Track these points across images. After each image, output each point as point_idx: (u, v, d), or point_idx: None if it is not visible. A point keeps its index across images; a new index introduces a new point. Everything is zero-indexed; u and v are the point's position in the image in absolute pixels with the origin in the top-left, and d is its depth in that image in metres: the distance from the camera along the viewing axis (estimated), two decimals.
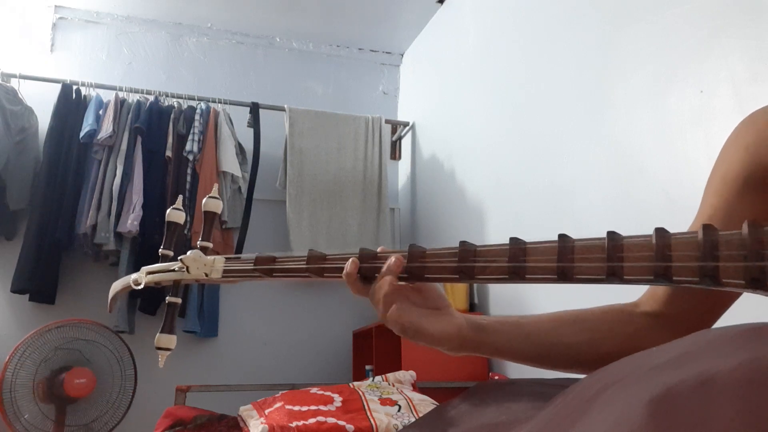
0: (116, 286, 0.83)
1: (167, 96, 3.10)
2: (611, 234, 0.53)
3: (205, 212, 0.81)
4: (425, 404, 1.84)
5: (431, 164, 3.25)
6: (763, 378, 0.31)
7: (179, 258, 0.77)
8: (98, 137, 2.86)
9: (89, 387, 2.40)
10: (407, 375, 2.08)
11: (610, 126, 1.93)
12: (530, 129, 2.36)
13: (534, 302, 2.20)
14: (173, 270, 0.77)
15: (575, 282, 0.54)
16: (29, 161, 2.94)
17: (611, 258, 0.52)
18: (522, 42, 2.49)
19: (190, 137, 2.99)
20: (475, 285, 2.58)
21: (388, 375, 2.07)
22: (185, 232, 2.77)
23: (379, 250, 0.67)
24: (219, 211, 0.82)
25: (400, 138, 3.60)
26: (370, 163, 3.30)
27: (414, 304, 0.66)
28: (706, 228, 0.48)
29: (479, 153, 2.76)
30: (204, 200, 0.81)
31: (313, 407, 1.75)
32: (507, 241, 0.59)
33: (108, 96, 3.01)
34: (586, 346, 0.69)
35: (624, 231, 0.54)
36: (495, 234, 2.53)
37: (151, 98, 3.06)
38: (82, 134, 2.85)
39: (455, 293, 2.50)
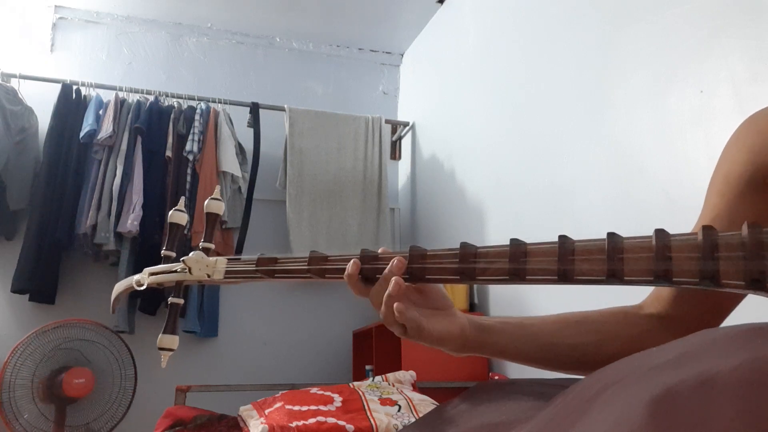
0: (119, 287, 0.84)
1: (167, 96, 3.10)
2: (611, 235, 0.53)
3: (207, 214, 0.81)
4: (425, 404, 1.84)
5: (431, 164, 3.25)
6: (764, 378, 0.31)
7: (182, 259, 0.77)
8: (98, 137, 2.86)
9: (88, 387, 2.40)
10: (407, 375, 2.08)
11: (610, 126, 1.93)
12: (530, 129, 2.36)
13: (534, 303, 2.21)
14: (176, 271, 0.77)
15: (575, 283, 0.55)
16: (29, 161, 2.94)
17: (611, 259, 0.52)
18: (522, 42, 2.49)
19: (190, 137, 2.99)
20: (475, 286, 2.58)
21: (388, 375, 2.08)
22: (185, 232, 2.77)
23: (380, 251, 0.67)
24: (221, 213, 0.82)
25: (400, 138, 3.60)
26: (370, 163, 3.30)
27: (416, 305, 0.66)
28: (706, 229, 0.48)
29: (479, 153, 2.76)
30: (206, 202, 0.81)
31: (313, 407, 1.75)
32: (507, 242, 0.59)
33: (108, 96, 3.01)
34: (591, 347, 0.69)
35: (624, 231, 0.54)
36: (495, 234, 2.53)
37: (151, 98, 3.06)
38: (82, 134, 2.85)
39: (455, 294, 2.51)
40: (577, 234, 0.56)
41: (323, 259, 0.69)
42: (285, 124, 3.22)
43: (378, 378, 2.06)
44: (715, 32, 1.55)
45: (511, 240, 0.59)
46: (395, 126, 3.57)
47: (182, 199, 0.85)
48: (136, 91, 3.07)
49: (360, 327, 3.08)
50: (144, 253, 2.83)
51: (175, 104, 3.10)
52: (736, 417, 0.30)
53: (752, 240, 0.46)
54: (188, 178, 2.95)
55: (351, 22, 3.53)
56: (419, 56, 3.64)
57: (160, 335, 0.76)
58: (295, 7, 3.40)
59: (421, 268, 0.63)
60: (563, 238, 0.56)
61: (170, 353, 0.76)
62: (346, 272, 0.66)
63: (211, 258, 0.77)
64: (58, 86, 2.97)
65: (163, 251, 0.80)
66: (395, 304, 0.62)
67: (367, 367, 2.78)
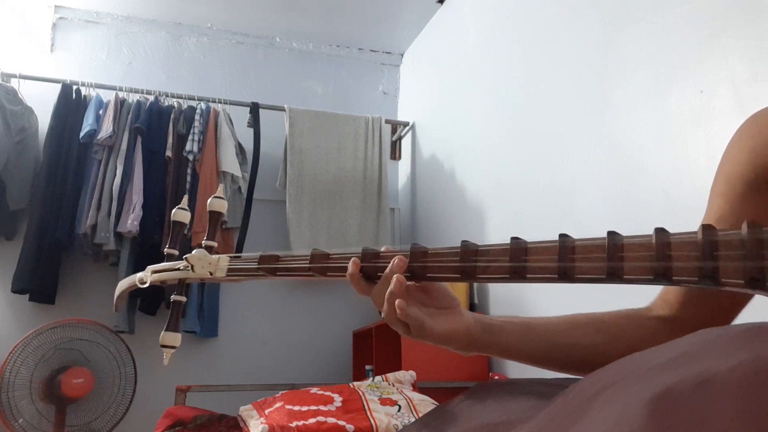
0: (122, 285, 0.84)
1: (167, 96, 3.10)
2: (611, 234, 0.53)
3: (210, 212, 0.81)
4: (425, 404, 1.84)
5: (431, 164, 3.25)
6: (763, 378, 0.31)
7: (184, 257, 0.77)
8: (98, 137, 2.87)
9: (87, 387, 2.40)
10: (407, 375, 2.08)
11: (610, 126, 1.93)
12: (530, 129, 2.36)
13: (534, 302, 2.21)
14: (178, 269, 0.77)
15: (576, 281, 0.55)
16: (29, 161, 2.94)
17: (611, 258, 0.52)
18: (522, 42, 2.49)
19: (190, 137, 2.99)
20: (475, 285, 2.58)
21: (388, 375, 2.08)
22: (185, 232, 2.77)
23: (382, 249, 0.67)
24: (224, 211, 0.83)
25: (400, 138, 3.60)
26: (370, 163, 3.30)
27: (421, 304, 0.66)
28: (706, 228, 0.48)
29: (479, 153, 2.76)
30: (209, 200, 0.81)
31: (313, 407, 1.75)
32: (508, 241, 0.59)
33: (108, 96, 3.01)
34: (599, 348, 0.69)
35: (624, 231, 0.54)
36: (495, 234, 2.53)
37: (151, 98, 3.06)
38: (82, 134, 2.86)
39: (455, 293, 2.50)
40: (577, 234, 0.56)
41: (325, 257, 0.69)
42: (285, 124, 3.22)
43: (378, 378, 2.06)
44: (715, 32, 1.55)
45: (512, 239, 0.59)
46: (395, 126, 3.57)
47: (185, 198, 0.85)
48: (136, 91, 3.07)
49: (360, 327, 3.08)
50: (144, 253, 2.83)
51: (175, 104, 3.10)
52: (736, 417, 0.30)
53: (752, 239, 0.46)
54: (188, 178, 2.95)
55: (351, 22, 3.53)
56: (419, 56, 3.64)
57: (163, 332, 0.76)
58: (295, 7, 3.40)
59: (423, 267, 0.64)
60: (564, 237, 0.56)
61: (172, 351, 0.76)
62: (348, 271, 0.66)
63: (213, 256, 0.77)
64: (58, 86, 2.97)
65: (165, 249, 0.81)
66: (397, 302, 0.62)
67: (367, 367, 2.78)
